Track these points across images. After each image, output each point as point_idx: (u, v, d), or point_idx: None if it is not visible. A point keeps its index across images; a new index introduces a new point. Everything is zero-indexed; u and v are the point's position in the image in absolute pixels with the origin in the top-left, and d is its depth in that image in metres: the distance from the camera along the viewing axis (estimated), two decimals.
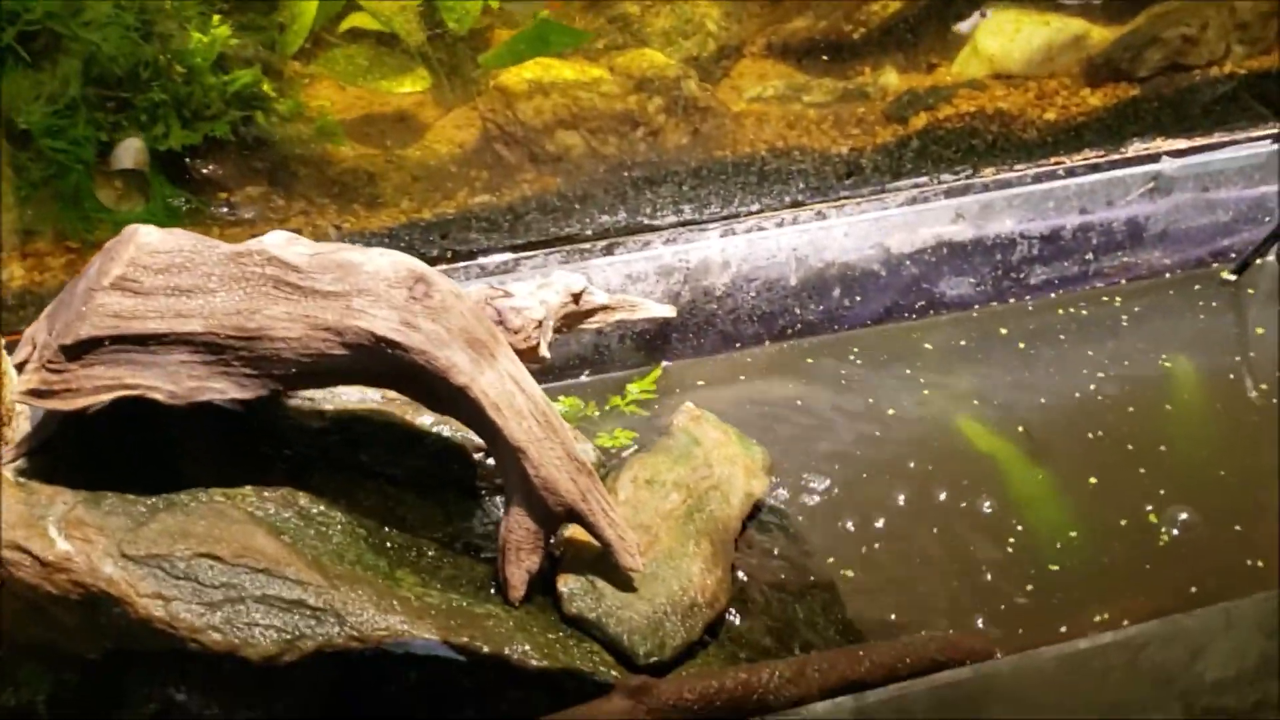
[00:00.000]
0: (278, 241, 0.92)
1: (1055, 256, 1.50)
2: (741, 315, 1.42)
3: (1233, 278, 1.55)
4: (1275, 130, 1.55)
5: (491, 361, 0.93)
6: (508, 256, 1.32)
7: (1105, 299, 1.53)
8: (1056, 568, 1.17)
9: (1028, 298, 1.52)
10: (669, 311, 1.35)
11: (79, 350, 0.88)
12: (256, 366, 0.91)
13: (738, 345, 1.44)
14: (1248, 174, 1.52)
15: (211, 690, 0.96)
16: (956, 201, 1.44)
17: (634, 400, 1.37)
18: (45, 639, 1.01)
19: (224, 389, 0.91)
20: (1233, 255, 1.56)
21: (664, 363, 1.42)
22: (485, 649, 0.89)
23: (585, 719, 0.85)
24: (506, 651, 0.90)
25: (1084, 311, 1.51)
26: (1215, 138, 1.53)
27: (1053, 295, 1.52)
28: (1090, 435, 1.33)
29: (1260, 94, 1.53)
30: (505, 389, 0.92)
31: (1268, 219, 1.53)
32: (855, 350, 1.45)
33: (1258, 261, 1.56)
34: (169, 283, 0.89)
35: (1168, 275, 1.56)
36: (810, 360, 1.44)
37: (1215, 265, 1.57)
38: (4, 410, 0.93)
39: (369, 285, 0.91)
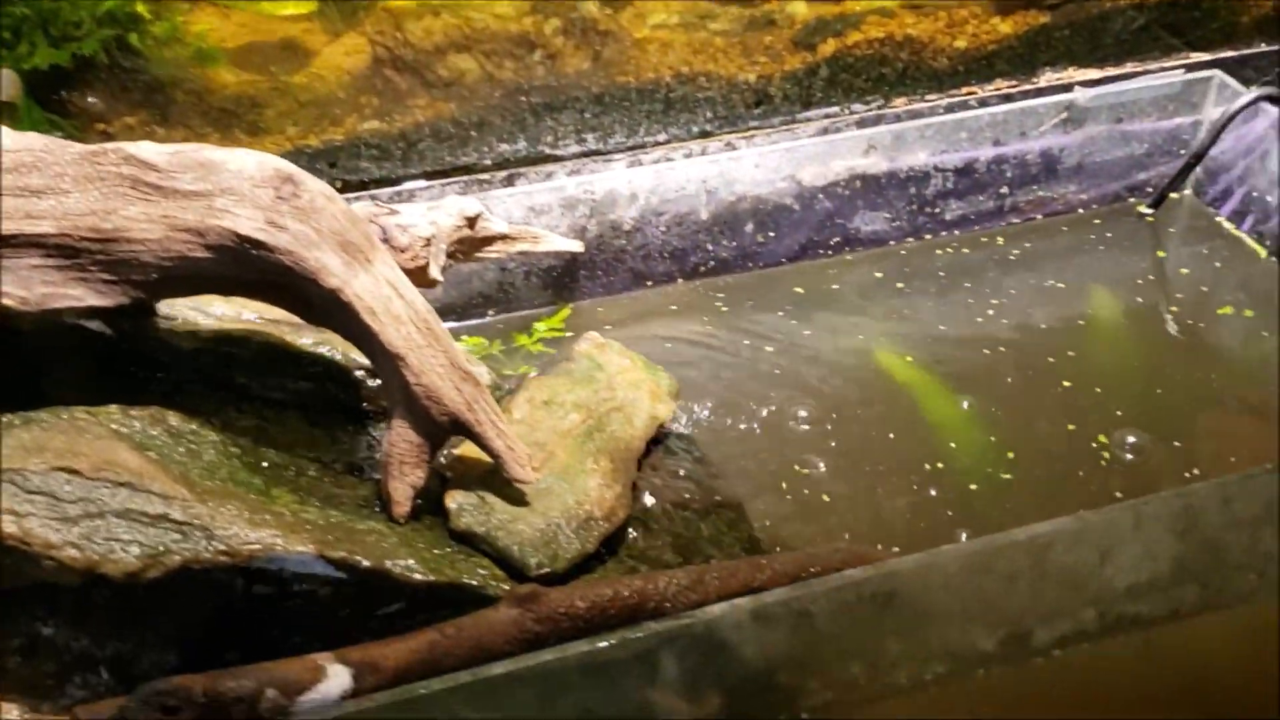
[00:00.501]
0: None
1: (970, 190, 1.47)
2: (652, 251, 1.38)
3: (1149, 211, 1.53)
4: (1187, 61, 1.53)
5: (367, 265, 0.88)
6: (402, 188, 1.27)
7: (1022, 234, 1.51)
8: (974, 487, 1.14)
9: (944, 233, 1.49)
10: (576, 246, 1.31)
11: None
12: (115, 271, 0.85)
13: (649, 283, 1.40)
14: (1161, 105, 1.50)
15: (80, 622, 0.91)
16: (869, 132, 1.41)
17: (541, 339, 1.33)
18: None
19: (81, 296, 0.85)
20: (1149, 189, 1.54)
21: (573, 302, 1.38)
22: (365, 563, 0.84)
23: (472, 629, 0.80)
24: (388, 565, 0.85)
25: (1002, 246, 1.49)
26: (1128, 67, 1.51)
27: (970, 230, 1.50)
28: (1010, 365, 1.31)
29: (1171, 24, 1.52)
30: (381, 294, 0.88)
31: (1182, 151, 1.52)
32: (770, 288, 1.42)
33: (1173, 195, 1.54)
34: (18, 183, 0.84)
35: (1083, 210, 1.54)
36: (725, 298, 1.41)
37: (1132, 199, 1.55)
38: None
39: (233, 184, 0.86)
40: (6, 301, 0.84)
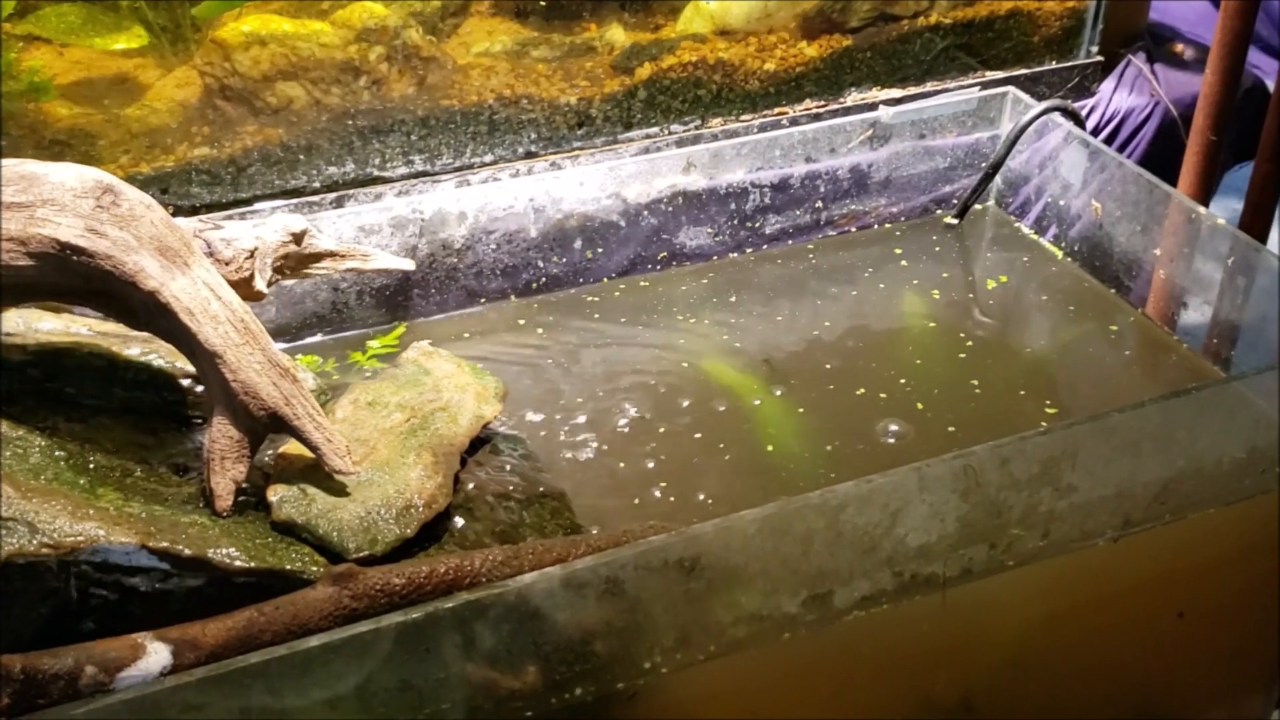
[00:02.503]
0: None
1: (787, 205, 1.56)
2: (484, 269, 1.44)
3: (955, 222, 1.64)
4: (983, 79, 1.65)
5: (184, 269, 0.92)
6: (231, 212, 1.31)
7: (838, 247, 1.59)
8: (784, 474, 1.21)
9: (765, 247, 1.57)
10: (406, 264, 1.35)
11: None
12: None
13: (482, 300, 1.46)
14: (960, 121, 1.61)
15: None
16: (687, 151, 1.48)
17: (375, 355, 1.37)
18: None
19: None
20: (953, 201, 1.64)
21: (408, 320, 1.43)
22: (187, 552, 0.88)
23: (289, 606, 0.84)
24: (210, 554, 0.88)
25: (819, 258, 1.58)
26: (928, 86, 1.62)
27: (789, 244, 1.58)
28: (827, 368, 1.39)
29: (967, 45, 1.63)
30: (199, 295, 0.92)
31: (981, 164, 1.62)
32: (600, 301, 1.48)
33: (977, 206, 1.65)
34: None
35: (893, 223, 1.63)
36: (556, 313, 1.46)
37: (939, 211, 1.65)
38: None
39: (54, 195, 0.89)
40: None
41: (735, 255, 1.56)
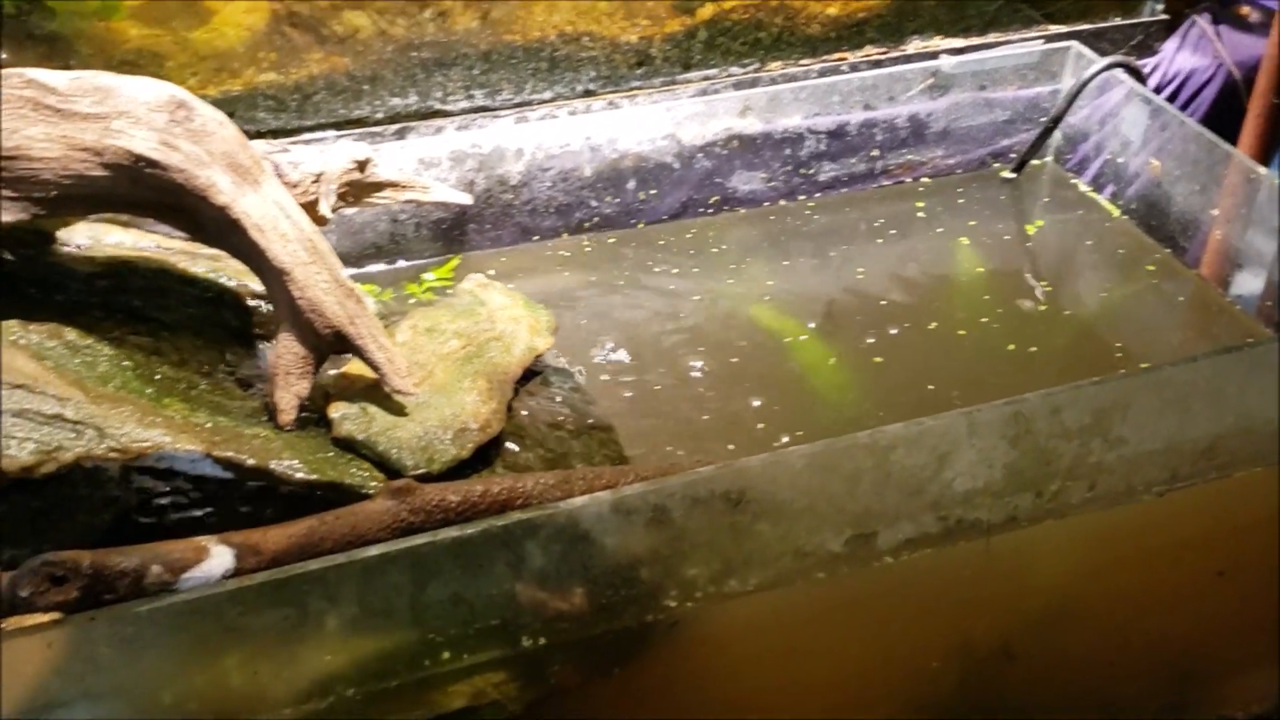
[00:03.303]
0: None
1: (843, 153, 1.56)
2: (538, 206, 1.45)
3: (1012, 176, 1.63)
4: (1046, 33, 1.63)
5: (255, 186, 0.94)
6: (297, 139, 1.33)
7: (892, 197, 1.59)
8: (827, 421, 1.22)
9: (818, 194, 1.57)
10: (464, 198, 1.37)
11: None
12: (15, 188, 0.90)
13: (535, 237, 1.47)
14: (1022, 74, 1.60)
15: None
16: (745, 94, 1.48)
17: (430, 287, 1.39)
18: None
19: None
20: (1011, 155, 1.64)
21: (462, 254, 1.44)
22: (250, 462, 0.90)
23: (348, 517, 0.86)
24: (272, 465, 0.91)
25: (873, 209, 1.57)
26: (990, 37, 1.61)
27: (842, 192, 1.58)
28: (876, 319, 1.39)
29: None
30: (269, 212, 0.94)
31: (1041, 119, 1.61)
32: (651, 243, 1.49)
33: (1035, 162, 1.64)
34: None
35: (950, 174, 1.63)
36: (607, 253, 1.48)
37: (996, 165, 1.64)
38: None
39: (129, 108, 0.91)
40: None
41: (788, 202, 1.56)
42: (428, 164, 1.37)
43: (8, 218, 0.91)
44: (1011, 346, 1.35)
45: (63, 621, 0.77)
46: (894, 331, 1.36)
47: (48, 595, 0.75)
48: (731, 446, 1.20)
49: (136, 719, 0.82)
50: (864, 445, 0.95)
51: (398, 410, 0.98)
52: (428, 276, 1.40)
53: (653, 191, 1.49)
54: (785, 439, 1.21)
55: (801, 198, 1.57)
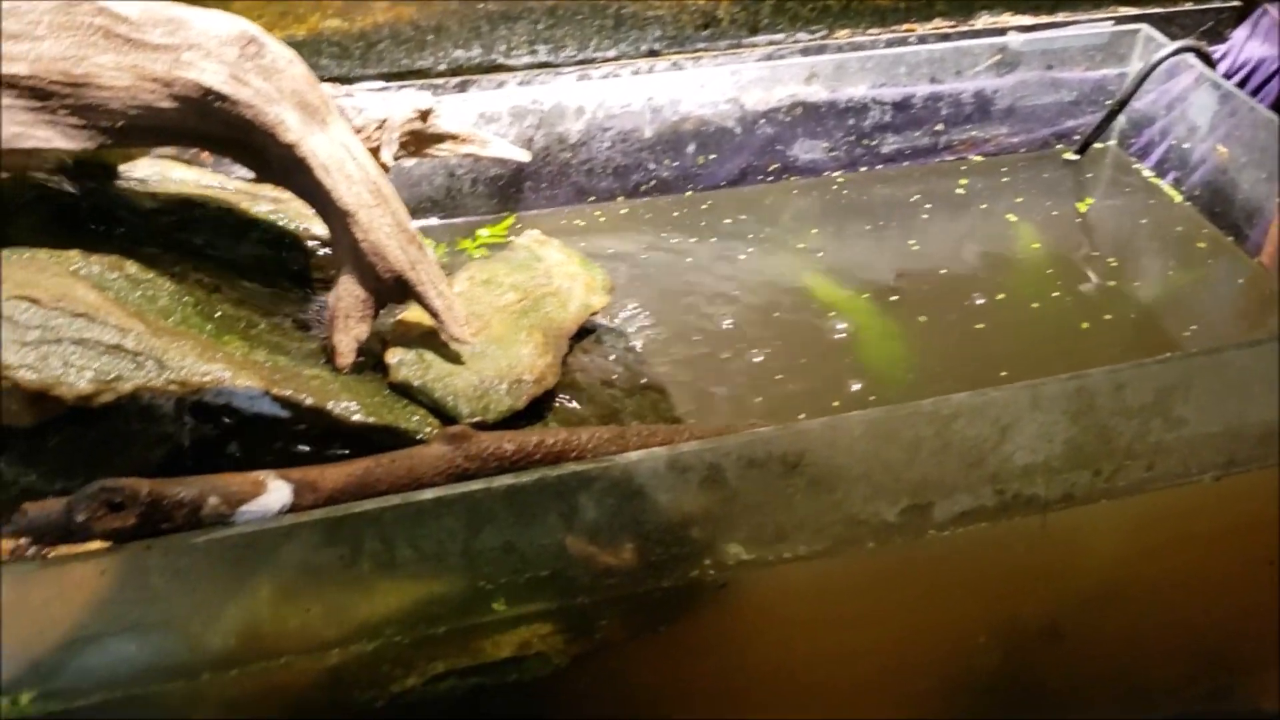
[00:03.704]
0: None
1: (906, 125, 1.54)
2: (595, 167, 1.44)
3: (1075, 158, 1.61)
4: (1116, 14, 1.61)
5: (323, 126, 0.93)
6: (359, 86, 1.32)
7: (954, 173, 1.57)
8: (879, 392, 1.21)
9: (879, 166, 1.56)
10: (523, 155, 1.36)
11: None
12: (83, 116, 0.90)
13: (591, 198, 1.46)
14: (1090, 55, 1.57)
15: (31, 461, 0.95)
16: (811, 60, 1.47)
17: (484, 244, 1.39)
18: None
19: (49, 137, 0.90)
20: (1075, 136, 1.61)
21: (517, 212, 1.43)
22: (308, 401, 0.90)
23: (404, 460, 0.86)
24: (329, 406, 0.90)
25: (934, 183, 1.56)
26: (1059, 16, 1.58)
27: (904, 165, 1.57)
28: (933, 295, 1.37)
29: None
30: (336, 153, 0.93)
31: (1107, 101, 1.59)
32: (708, 209, 1.48)
33: (1098, 145, 1.62)
34: None
35: (1013, 153, 1.61)
36: (663, 216, 1.46)
37: (1059, 146, 1.62)
38: None
39: (199, 40, 0.91)
40: None
41: (848, 173, 1.55)
42: (488, 119, 1.36)
43: (74, 146, 0.91)
44: (1082, 324, 1.33)
45: (117, 549, 0.77)
46: (948, 306, 1.35)
47: (104, 521, 0.75)
48: (782, 415, 1.19)
49: (186, 653, 0.83)
50: (926, 413, 0.94)
51: (454, 359, 0.97)
52: (482, 233, 1.40)
53: (712, 156, 1.47)
54: (836, 407, 1.20)
55: (863, 169, 1.55)
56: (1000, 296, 1.36)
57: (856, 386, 1.22)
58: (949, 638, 1.10)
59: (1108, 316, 1.35)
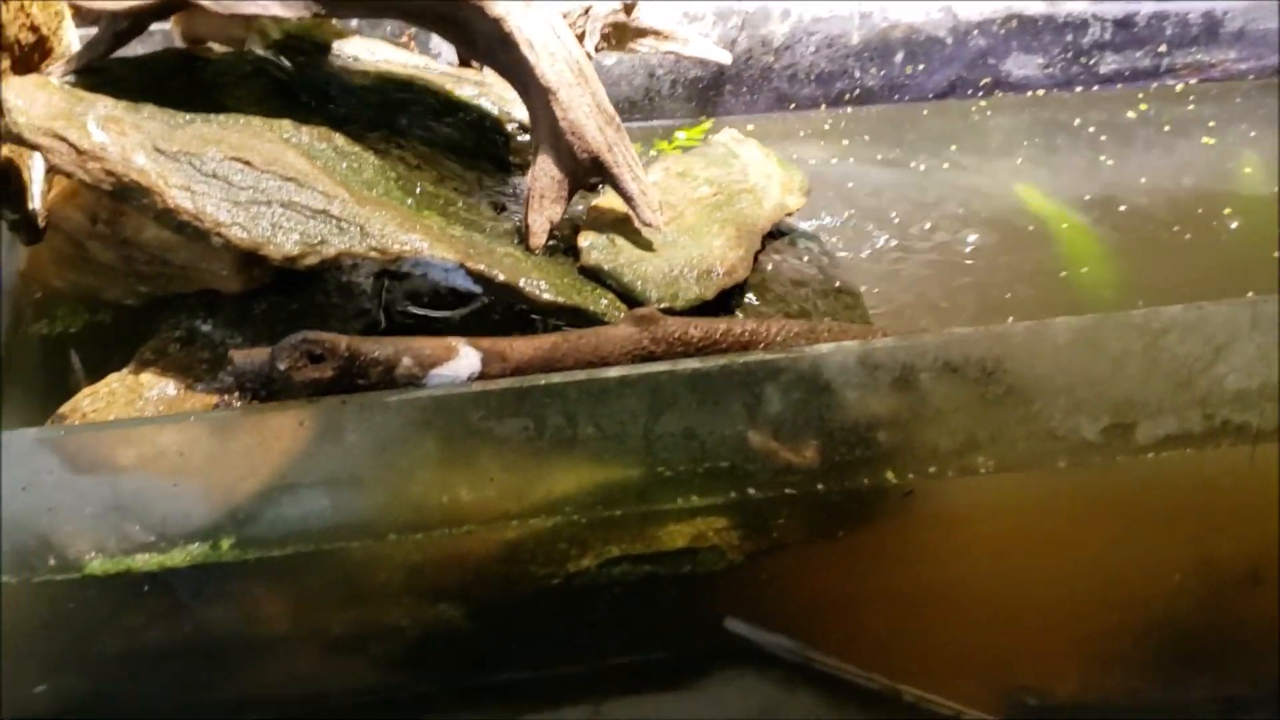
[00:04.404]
0: None
1: (1127, 44, 1.46)
2: (798, 73, 1.41)
3: None
4: None
5: (529, 2, 0.93)
6: None
7: (1175, 98, 1.49)
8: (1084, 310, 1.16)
9: (1095, 87, 1.48)
10: (724, 56, 1.34)
11: None
12: None
13: (791, 105, 1.43)
14: None
15: (237, 324, 0.99)
16: None
17: (680, 147, 1.37)
18: (85, 285, 1.04)
19: (266, 5, 0.92)
20: None
21: (715, 117, 1.42)
22: (501, 277, 0.90)
23: (592, 337, 0.86)
24: (521, 283, 0.91)
25: (1152, 108, 1.48)
26: None
27: (1121, 87, 1.49)
28: (1146, 222, 1.31)
29: None
30: (541, 29, 0.93)
31: None
32: (913, 121, 1.43)
33: None
34: None
35: (1239, 80, 1.51)
36: (866, 127, 1.43)
37: None
38: (52, 17, 0.95)
39: None
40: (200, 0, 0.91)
41: (1062, 92, 1.48)
42: (691, 17, 1.34)
43: (290, 13, 0.93)
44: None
45: (315, 402, 0.79)
46: (1164, 233, 1.28)
47: (304, 372, 0.77)
48: (978, 323, 1.15)
49: (374, 512, 0.85)
50: (1135, 324, 0.89)
51: (645, 245, 0.97)
52: (679, 136, 1.38)
53: (921, 67, 1.43)
54: None
55: (1078, 89, 1.48)
56: (1214, 224, 1.28)
57: (1061, 304, 1.17)
58: (1141, 572, 1.05)
59: None
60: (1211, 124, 1.45)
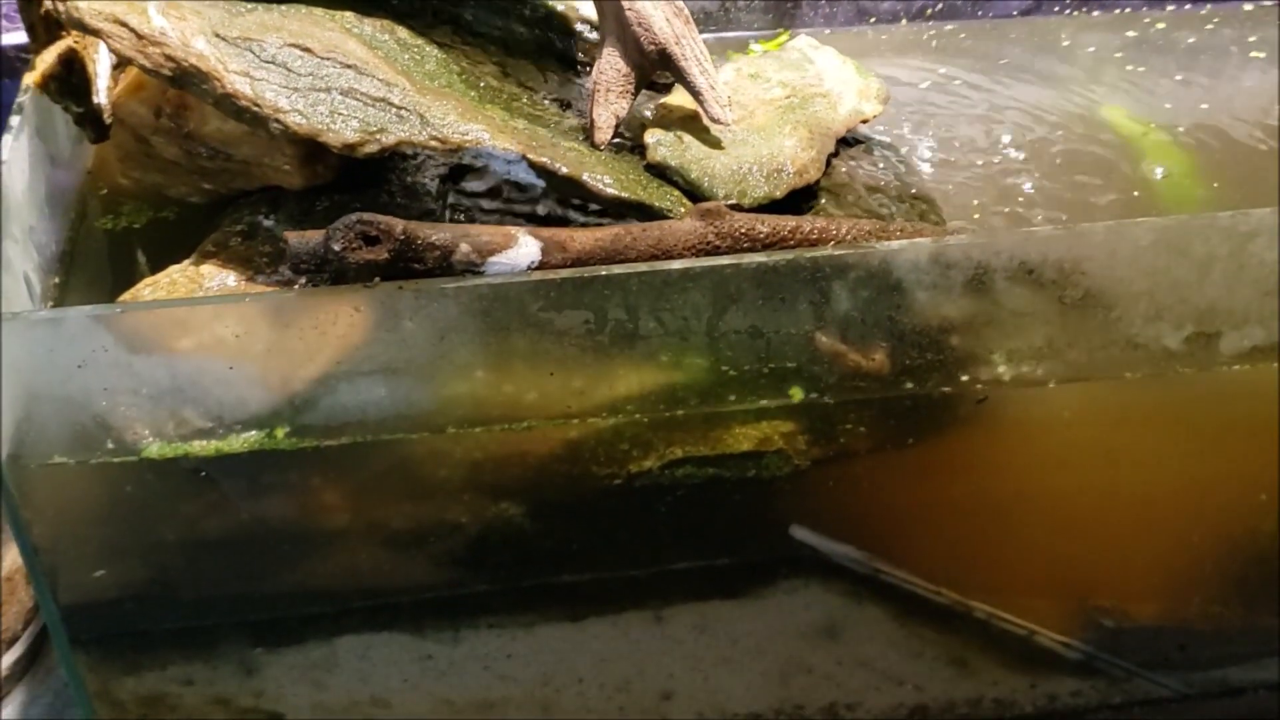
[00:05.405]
0: None
1: None
2: None
3: None
4: None
5: None
6: None
7: (1273, 20, 1.42)
8: None
9: (1188, 6, 1.42)
10: None
11: None
12: None
13: (872, 19, 1.39)
14: None
15: (299, 221, 0.98)
16: None
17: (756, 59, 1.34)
18: (150, 182, 1.04)
19: None
20: None
21: (792, 30, 1.38)
22: (563, 170, 0.88)
23: (655, 230, 0.83)
24: (584, 177, 0.89)
25: (1250, 30, 1.41)
26: None
27: (1229, 4, 1.42)
28: (1237, 151, 1.25)
29: None
30: None
31: None
32: (999, 38, 1.38)
33: None
34: None
35: None
36: (949, 44, 1.38)
37: None
38: None
39: None
40: None
41: (1154, 10, 1.42)
42: None
43: None
44: None
45: (371, 287, 0.78)
46: (1264, 166, 1.22)
47: (359, 253, 0.75)
48: None
49: (432, 404, 0.84)
50: (1222, 227, 0.85)
51: (714, 143, 0.94)
52: (755, 48, 1.35)
53: None
54: None
55: (1170, 8, 1.42)
56: None
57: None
58: (1224, 490, 1.01)
59: None
60: None
